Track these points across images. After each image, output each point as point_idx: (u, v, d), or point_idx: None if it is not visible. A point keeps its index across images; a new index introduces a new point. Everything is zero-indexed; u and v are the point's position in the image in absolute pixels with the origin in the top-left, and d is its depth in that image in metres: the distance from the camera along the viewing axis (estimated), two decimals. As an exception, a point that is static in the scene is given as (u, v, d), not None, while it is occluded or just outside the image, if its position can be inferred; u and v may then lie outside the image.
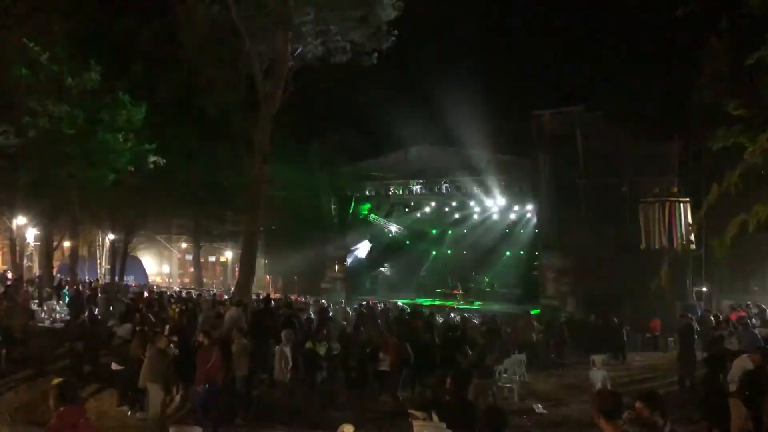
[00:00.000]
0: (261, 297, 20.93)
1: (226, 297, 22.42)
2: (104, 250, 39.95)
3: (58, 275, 30.79)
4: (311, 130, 29.66)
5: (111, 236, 35.56)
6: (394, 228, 36.64)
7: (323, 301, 25.74)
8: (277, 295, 27.56)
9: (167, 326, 13.39)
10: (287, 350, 10.76)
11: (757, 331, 14.34)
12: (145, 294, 22.61)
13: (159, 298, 20.62)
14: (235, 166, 23.52)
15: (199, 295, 25.44)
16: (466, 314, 21.32)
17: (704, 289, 23.94)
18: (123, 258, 33.67)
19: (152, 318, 14.09)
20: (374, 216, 35.01)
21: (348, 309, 22.14)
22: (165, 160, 26.07)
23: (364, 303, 23.18)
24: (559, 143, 25.18)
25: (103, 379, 12.09)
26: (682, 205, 22.07)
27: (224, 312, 14.89)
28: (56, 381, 5.13)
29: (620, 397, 4.47)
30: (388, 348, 12.42)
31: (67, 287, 24.16)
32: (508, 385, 12.74)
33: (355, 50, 20.89)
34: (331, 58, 21.25)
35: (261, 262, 35.01)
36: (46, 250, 27.91)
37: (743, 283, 26.39)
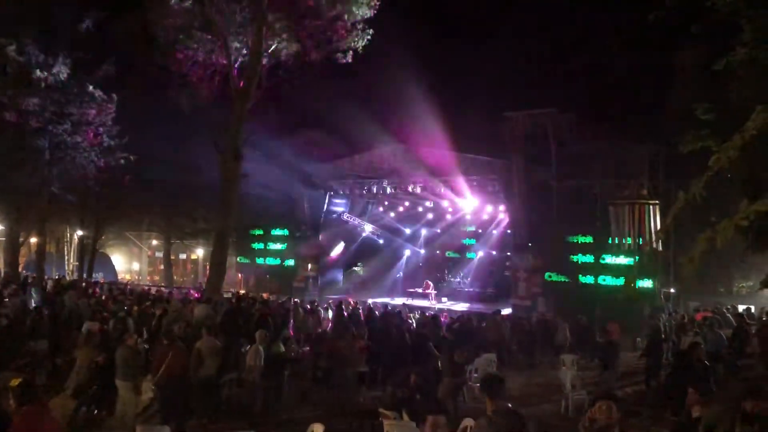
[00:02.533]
0: (234, 295, 20.74)
1: (197, 295, 22.17)
2: (72, 246, 39.31)
3: (24, 272, 30.23)
4: (285, 127, 29.47)
5: (80, 232, 34.99)
6: (367, 227, 36.61)
7: (295, 300, 25.61)
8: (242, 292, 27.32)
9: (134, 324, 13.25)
10: (261, 350, 10.66)
11: (722, 332, 14.65)
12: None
13: (129, 296, 20.34)
14: (207, 163, 23.26)
15: (170, 293, 25.12)
16: (437, 314, 21.34)
17: (672, 290, 24.31)
18: (92, 255, 33.15)
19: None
20: (348, 215, 34.95)
21: (320, 309, 22.01)
22: (135, 156, 25.72)
23: (338, 302, 23.06)
24: (531, 145, 25.38)
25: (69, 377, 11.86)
26: (651, 207, 22.44)
27: (190, 310, 14.74)
28: (15, 381, 5.00)
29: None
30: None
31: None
32: (478, 385, 12.77)
33: (330, 48, 20.83)
34: (305, 56, 21.14)
35: (232, 260, 34.74)
36: (12, 246, 27.36)
37: (710, 285, 26.84)
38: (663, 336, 15.66)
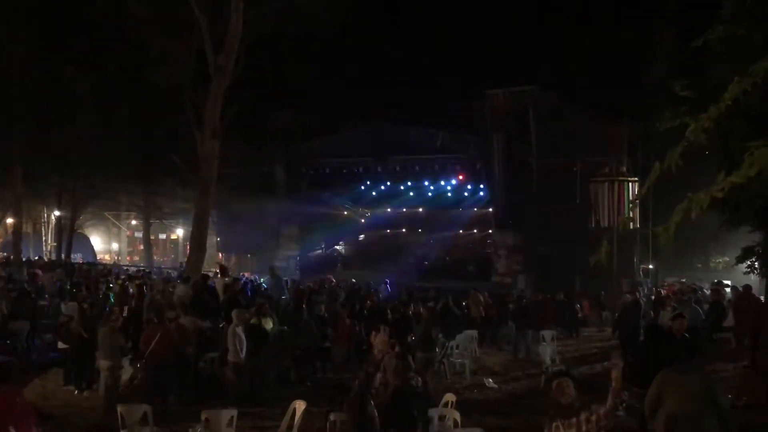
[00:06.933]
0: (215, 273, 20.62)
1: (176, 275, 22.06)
2: (50, 226, 38.82)
3: (2, 253, 29.88)
4: (264, 105, 29.15)
5: (57, 213, 34.52)
6: (348, 206, 36.56)
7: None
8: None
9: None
10: (239, 330, 10.60)
11: (698, 306, 14.88)
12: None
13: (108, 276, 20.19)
14: (186, 142, 22.92)
15: (150, 272, 24.96)
16: (414, 290, 21.47)
17: (650, 266, 24.62)
18: (69, 235, 32.73)
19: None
20: (328, 194, 34.83)
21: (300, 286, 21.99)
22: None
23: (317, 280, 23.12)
24: (512, 122, 25.44)
25: (48, 358, 11.81)
26: (630, 184, 22.64)
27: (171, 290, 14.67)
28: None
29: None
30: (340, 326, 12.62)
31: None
32: (459, 361, 12.89)
33: (310, 23, 20.55)
34: (285, 31, 20.84)
35: (213, 240, 34.48)
36: (-12, 226, 26.97)
37: (687, 261, 27.25)
38: (641, 311, 15.82)
